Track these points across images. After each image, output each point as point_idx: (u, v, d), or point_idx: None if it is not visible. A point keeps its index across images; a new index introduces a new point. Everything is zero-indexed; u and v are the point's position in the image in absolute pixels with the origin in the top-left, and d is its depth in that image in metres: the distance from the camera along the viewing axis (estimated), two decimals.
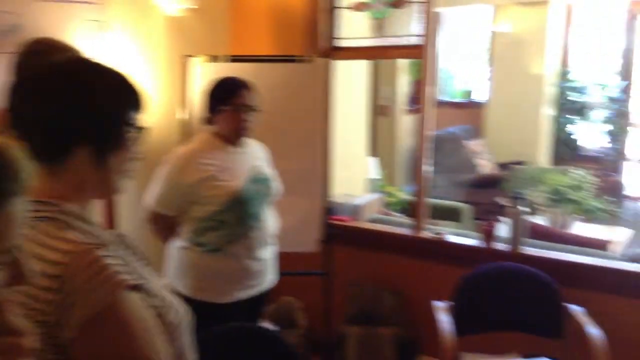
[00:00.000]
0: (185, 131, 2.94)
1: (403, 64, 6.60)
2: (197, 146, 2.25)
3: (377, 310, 3.03)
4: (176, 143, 2.68)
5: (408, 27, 3.15)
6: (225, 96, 2.20)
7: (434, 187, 6.03)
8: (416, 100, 6.75)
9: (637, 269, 2.60)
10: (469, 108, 7.52)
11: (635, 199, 6.43)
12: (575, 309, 2.47)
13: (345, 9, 3.25)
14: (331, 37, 3.27)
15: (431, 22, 3.03)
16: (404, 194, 4.73)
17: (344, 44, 3.28)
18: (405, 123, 6.57)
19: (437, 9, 3.14)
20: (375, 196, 3.76)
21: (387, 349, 2.92)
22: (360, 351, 2.94)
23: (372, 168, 4.47)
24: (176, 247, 2.26)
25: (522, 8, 6.50)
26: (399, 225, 3.36)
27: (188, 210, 2.19)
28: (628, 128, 6.79)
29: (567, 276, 2.62)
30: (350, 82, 3.94)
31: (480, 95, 7.49)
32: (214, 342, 1.81)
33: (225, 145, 2.24)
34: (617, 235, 4.00)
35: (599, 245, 3.16)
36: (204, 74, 2.82)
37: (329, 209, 3.03)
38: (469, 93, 7.63)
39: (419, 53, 3.06)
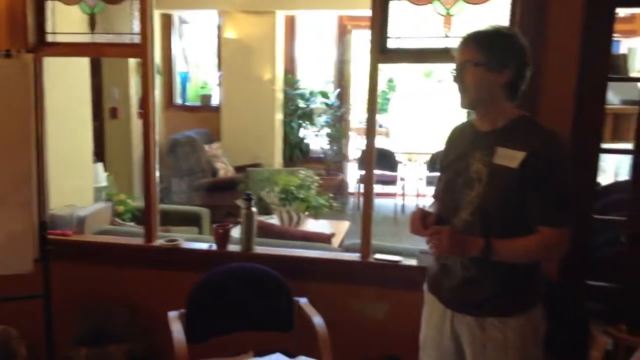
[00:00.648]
0: None
1: (134, 65, 6.33)
2: None
3: (109, 327, 2.81)
4: None
5: (129, 25, 2.98)
6: None
7: (174, 192, 5.92)
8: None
9: (351, 257, 2.86)
10: (206, 112, 7.59)
11: (354, 195, 7.23)
12: (302, 301, 2.61)
13: (57, 1, 2.94)
14: (40, 30, 2.93)
15: (150, 21, 2.90)
16: (135, 202, 4.51)
17: (57, 39, 2.97)
18: (138, 125, 6.31)
19: (167, 11, 3.03)
20: (102, 205, 3.49)
21: None
22: None
23: (99, 175, 4.16)
24: None
25: (250, 16, 6.76)
26: (131, 235, 3.18)
27: None
28: (348, 132, 7.60)
29: (295, 270, 2.76)
30: (70, 81, 3.61)
31: (216, 99, 7.61)
32: None
33: None
34: (342, 228, 4.41)
35: (325, 239, 3.42)
36: None
37: (46, 223, 2.70)
38: (206, 97, 7.68)
39: (138, 52, 2.92)
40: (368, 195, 2.83)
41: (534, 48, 1.89)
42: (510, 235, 1.78)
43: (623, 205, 2.50)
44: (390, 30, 2.66)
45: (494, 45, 1.79)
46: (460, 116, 10.52)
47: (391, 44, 2.68)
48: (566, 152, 1.84)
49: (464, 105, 1.89)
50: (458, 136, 2.02)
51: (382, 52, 2.66)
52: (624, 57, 4.40)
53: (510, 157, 1.76)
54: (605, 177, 4.62)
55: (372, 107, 2.74)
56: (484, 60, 1.77)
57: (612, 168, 4.99)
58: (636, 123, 2.44)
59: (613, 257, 2.53)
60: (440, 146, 6.75)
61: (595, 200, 2.55)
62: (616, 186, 3.15)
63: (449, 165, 1.97)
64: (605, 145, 2.62)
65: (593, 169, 2.47)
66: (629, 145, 2.49)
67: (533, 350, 1.89)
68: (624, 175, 5.36)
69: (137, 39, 2.92)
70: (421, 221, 1.87)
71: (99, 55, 3.30)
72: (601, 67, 2.40)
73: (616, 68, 3.45)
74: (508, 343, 1.83)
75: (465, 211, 1.84)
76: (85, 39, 2.99)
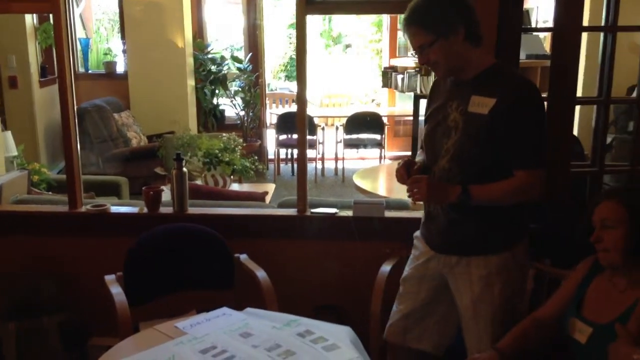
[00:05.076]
0: None
1: (31, 30, 5.91)
2: None
3: (37, 299, 2.68)
4: None
5: None
6: None
7: (84, 163, 5.65)
8: (49, 70, 6.17)
9: (288, 212, 2.89)
10: (112, 79, 7.23)
11: (273, 161, 7.24)
12: (243, 257, 2.63)
13: None
14: None
15: None
16: (48, 171, 4.27)
17: None
18: (40, 95, 5.93)
19: None
20: (17, 174, 3.28)
21: (53, 339, 2.62)
22: (21, 348, 2.56)
23: (9, 144, 3.89)
24: None
25: None
26: (53, 204, 3.02)
27: None
28: (264, 97, 7.53)
29: (232, 228, 2.75)
30: None
31: (121, 66, 7.27)
32: None
33: None
34: (269, 190, 4.44)
35: (258, 198, 3.42)
36: None
37: None
38: (111, 64, 7.30)
39: (49, 7, 2.73)
40: (302, 152, 2.85)
41: None
42: (487, 180, 1.84)
43: None
44: None
45: (437, 16, 1.80)
46: (372, 80, 10.76)
47: None
48: (535, 97, 1.85)
49: (442, 78, 1.94)
50: (439, 87, 2.05)
51: (309, 3, 2.66)
52: (527, 14, 4.70)
53: (482, 105, 1.82)
54: None
55: (302, 63, 2.74)
56: (435, 36, 1.80)
57: None
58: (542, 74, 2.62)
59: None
60: (354, 110, 6.96)
61: None
62: None
63: (430, 116, 2.02)
64: None
65: None
66: None
67: (519, 285, 2.00)
68: None
69: None
70: (405, 170, 1.92)
71: (4, 12, 3.06)
72: (516, 20, 2.55)
73: (524, 23, 3.69)
74: (493, 279, 1.92)
75: (444, 159, 1.91)
76: None
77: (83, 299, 2.83)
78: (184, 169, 2.84)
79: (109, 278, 2.43)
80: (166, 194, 3.05)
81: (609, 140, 4.45)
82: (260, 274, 2.50)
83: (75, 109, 2.88)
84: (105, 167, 5.84)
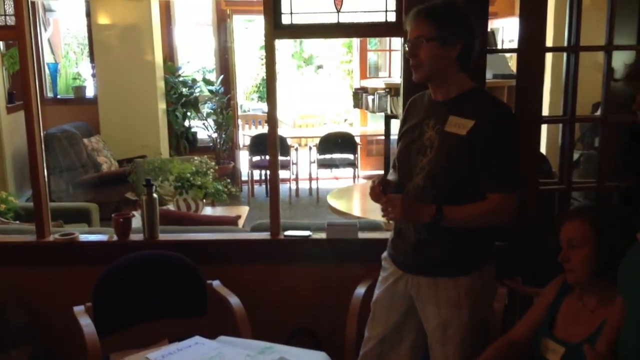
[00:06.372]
0: None
1: None
2: None
3: (6, 331, 2.59)
4: None
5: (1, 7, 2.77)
6: None
7: (53, 190, 5.54)
8: (17, 96, 6.07)
9: (261, 236, 2.86)
10: (81, 104, 7.15)
11: (247, 182, 7.20)
12: (215, 283, 2.59)
13: None
14: None
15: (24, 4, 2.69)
16: (16, 200, 4.18)
17: None
18: (8, 121, 5.83)
19: None
20: None
21: None
22: None
23: None
24: None
25: (124, 1, 6.44)
26: (20, 233, 2.95)
27: None
28: (236, 119, 7.52)
29: (205, 254, 2.72)
30: None
31: (91, 90, 7.20)
32: None
33: None
34: (243, 213, 4.41)
35: (231, 222, 3.39)
36: None
37: None
38: (80, 89, 7.22)
39: (14, 34, 2.70)
40: (274, 175, 2.84)
41: None
42: (461, 201, 1.84)
43: None
44: (284, 6, 2.68)
45: (445, 18, 1.82)
46: (344, 100, 10.87)
47: (285, 19, 2.70)
48: (512, 122, 1.88)
49: (418, 80, 1.91)
50: (415, 105, 2.06)
51: (277, 28, 2.67)
52: (493, 34, 4.81)
53: (460, 125, 1.83)
54: None
55: (272, 85, 2.74)
56: (436, 35, 1.81)
57: None
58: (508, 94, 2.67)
59: None
60: (326, 130, 6.98)
61: None
62: None
63: (405, 133, 2.02)
64: None
65: None
66: None
67: (484, 305, 2.00)
68: None
69: (11, 21, 2.71)
70: (380, 189, 1.91)
71: None
72: (481, 41, 2.59)
73: (489, 44, 3.78)
74: (461, 300, 1.92)
75: (418, 176, 1.91)
76: None
77: (53, 330, 2.75)
78: (154, 195, 2.80)
79: (78, 309, 2.37)
80: (137, 220, 3.00)
81: (576, 156, 4.54)
82: (234, 300, 2.47)
83: (42, 136, 2.83)
84: (75, 194, 5.74)
